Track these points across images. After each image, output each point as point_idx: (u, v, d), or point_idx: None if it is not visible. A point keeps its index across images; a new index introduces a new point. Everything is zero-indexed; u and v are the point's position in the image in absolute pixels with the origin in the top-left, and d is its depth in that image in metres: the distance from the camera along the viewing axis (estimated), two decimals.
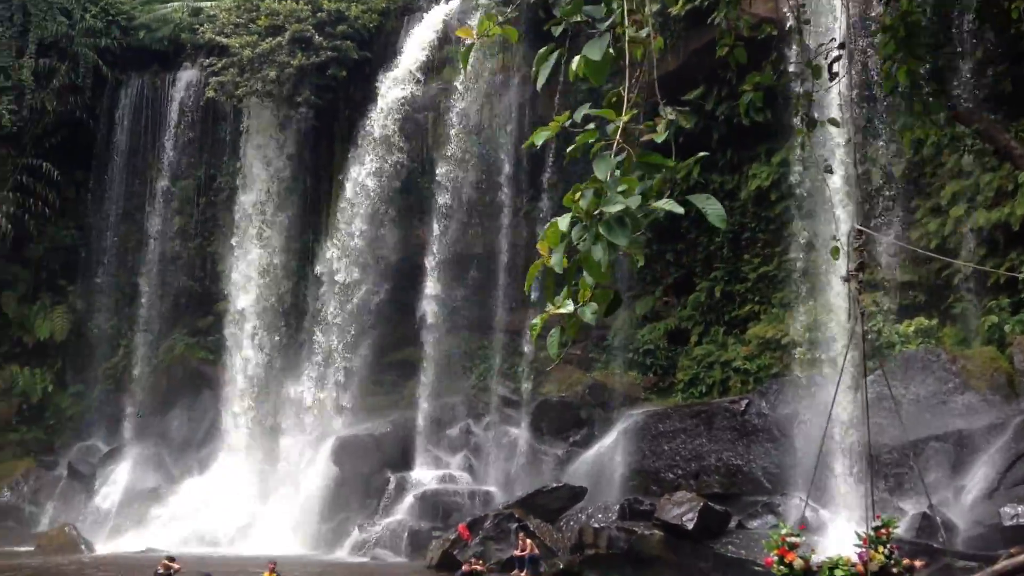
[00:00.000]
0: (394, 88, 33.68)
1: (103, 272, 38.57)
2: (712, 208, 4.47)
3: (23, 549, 29.73)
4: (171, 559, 20.28)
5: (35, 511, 34.23)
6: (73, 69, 37.08)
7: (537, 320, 4.70)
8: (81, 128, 38.12)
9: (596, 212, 4.32)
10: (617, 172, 4.44)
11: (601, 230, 4.28)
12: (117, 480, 34.45)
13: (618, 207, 4.28)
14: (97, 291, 38.49)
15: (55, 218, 37.82)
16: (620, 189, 4.38)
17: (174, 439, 36.22)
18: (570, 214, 4.45)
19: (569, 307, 4.52)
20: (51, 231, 38.15)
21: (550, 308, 4.61)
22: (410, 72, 33.71)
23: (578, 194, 4.41)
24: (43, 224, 37.54)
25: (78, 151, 38.19)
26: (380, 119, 33.60)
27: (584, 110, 4.74)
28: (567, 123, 4.78)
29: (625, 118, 4.60)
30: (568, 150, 4.83)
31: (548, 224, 4.53)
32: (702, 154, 5.90)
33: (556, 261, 4.43)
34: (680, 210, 4.37)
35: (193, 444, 35.89)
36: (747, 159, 29.10)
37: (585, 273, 4.46)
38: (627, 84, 4.78)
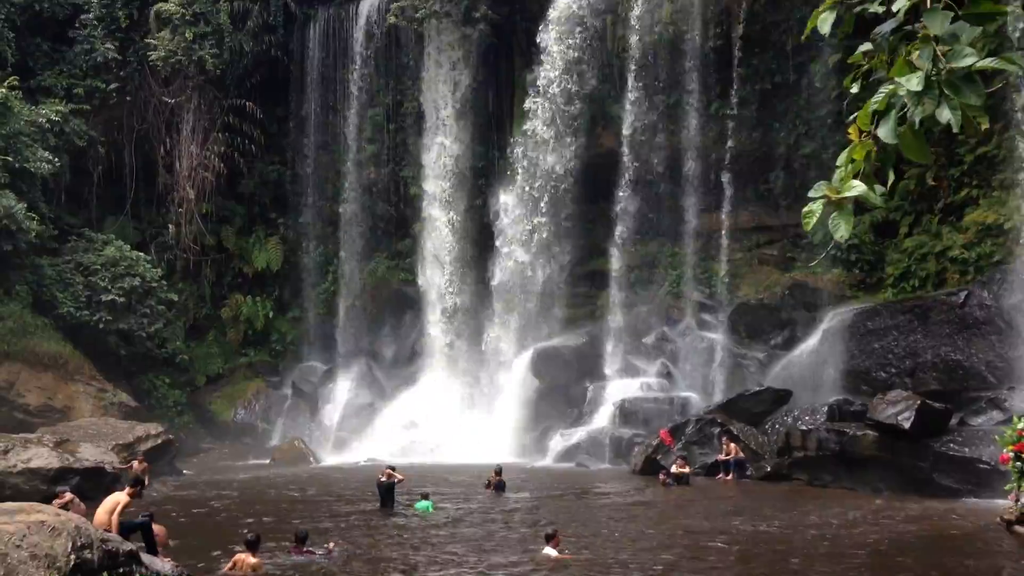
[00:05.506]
0: None
1: (307, 203, 40.68)
2: None
3: (260, 462, 32.44)
4: (392, 468, 21.27)
5: (267, 428, 37.22)
6: (265, 8, 38.83)
7: (814, 207, 4.15)
8: (277, 66, 39.94)
9: (937, 72, 3.78)
10: (952, 25, 3.87)
11: (947, 90, 3.76)
12: (336, 397, 36.80)
13: (968, 60, 3.75)
14: (303, 221, 40.69)
15: (261, 154, 40.08)
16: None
17: (384, 357, 38.17)
18: (885, 90, 3.91)
19: (858, 188, 4.04)
20: (259, 167, 40.47)
21: (821, 190, 4.12)
22: None
23: (915, 53, 3.88)
24: (251, 161, 39.90)
25: (276, 88, 40.11)
26: (557, 28, 32.96)
27: None
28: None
29: None
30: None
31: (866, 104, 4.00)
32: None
33: (887, 131, 3.92)
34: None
35: (401, 361, 37.68)
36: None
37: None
38: None
